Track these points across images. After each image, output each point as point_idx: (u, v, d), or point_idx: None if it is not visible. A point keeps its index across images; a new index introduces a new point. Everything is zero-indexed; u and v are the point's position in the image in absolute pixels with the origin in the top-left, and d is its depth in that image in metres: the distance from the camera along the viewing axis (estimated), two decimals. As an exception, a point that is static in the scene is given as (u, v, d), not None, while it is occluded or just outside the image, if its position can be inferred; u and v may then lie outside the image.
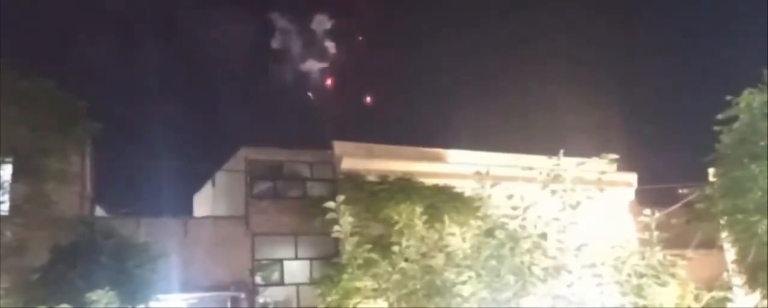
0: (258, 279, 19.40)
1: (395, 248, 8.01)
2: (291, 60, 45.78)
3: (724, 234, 10.49)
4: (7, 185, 14.23)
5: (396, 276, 7.81)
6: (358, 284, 8.12)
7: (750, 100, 9.34)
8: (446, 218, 8.34)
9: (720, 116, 9.65)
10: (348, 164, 20.16)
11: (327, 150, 21.07)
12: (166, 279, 15.65)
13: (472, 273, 7.12)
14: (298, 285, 19.56)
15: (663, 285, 7.24)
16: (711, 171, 10.68)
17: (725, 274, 11.64)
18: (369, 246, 7.98)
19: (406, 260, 7.86)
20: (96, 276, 13.45)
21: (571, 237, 7.24)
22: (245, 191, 20.02)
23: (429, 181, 19.92)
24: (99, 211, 19.89)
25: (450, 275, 7.40)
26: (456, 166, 20.20)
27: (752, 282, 9.79)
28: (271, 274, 19.95)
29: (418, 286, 7.66)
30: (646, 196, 23.01)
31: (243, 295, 18.50)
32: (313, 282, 18.89)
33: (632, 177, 23.78)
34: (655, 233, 7.58)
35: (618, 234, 8.21)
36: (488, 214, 7.51)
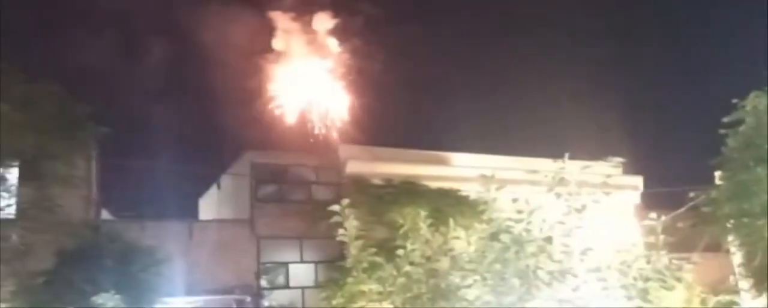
0: (263, 283, 19.38)
1: (400, 251, 8.00)
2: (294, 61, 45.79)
3: (730, 238, 10.45)
4: (13, 189, 14.28)
5: (401, 280, 7.80)
6: (363, 287, 8.09)
7: (756, 102, 9.32)
8: (451, 221, 8.33)
9: (726, 119, 9.62)
10: (353, 168, 20.16)
11: (332, 153, 21.08)
12: (171, 282, 15.67)
13: (477, 277, 7.11)
14: (303, 288, 19.56)
15: (669, 289, 7.21)
16: (717, 174, 10.63)
17: (732, 278, 11.61)
18: (374, 249, 7.98)
19: (411, 263, 7.85)
20: (101, 280, 13.48)
21: (576, 240, 7.22)
22: (250, 194, 20.03)
23: (434, 185, 19.89)
24: (104, 215, 19.92)
25: (455, 278, 7.39)
26: (461, 170, 20.18)
27: (759, 286, 9.76)
28: (277, 277, 19.94)
29: (423, 290, 7.65)
30: (652, 200, 22.92)
31: (248, 298, 18.49)
32: (318, 286, 18.88)
33: (638, 181, 23.70)
34: (661, 237, 7.54)
35: (623, 237, 8.17)
36: (493, 218, 7.50)
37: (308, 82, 46.01)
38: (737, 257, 12.23)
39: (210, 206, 23.79)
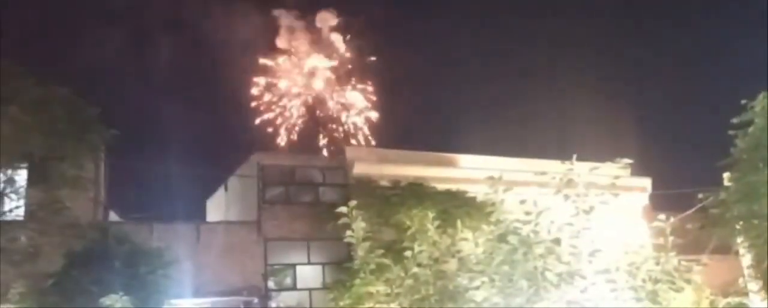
0: (271, 284, 19.40)
1: (408, 253, 8.00)
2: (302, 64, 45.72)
3: (739, 240, 10.39)
4: (22, 191, 14.35)
5: (409, 281, 7.79)
6: (370, 289, 8.10)
7: (765, 103, 9.25)
8: (459, 223, 8.32)
9: (735, 120, 9.57)
10: (360, 169, 20.17)
11: (339, 155, 21.09)
12: (179, 284, 15.71)
13: (485, 279, 7.10)
14: (310, 290, 19.56)
15: (678, 290, 7.17)
16: (726, 175, 10.57)
17: (741, 280, 11.55)
18: (381, 251, 7.97)
19: (418, 265, 7.84)
20: (109, 282, 13.52)
21: (584, 242, 7.19)
22: (258, 196, 20.06)
23: (441, 186, 19.86)
24: (112, 216, 20.00)
25: (463, 280, 7.38)
26: (468, 171, 20.15)
27: (768, 288, 9.69)
28: (284, 279, 19.95)
29: (431, 291, 7.64)
30: (660, 201, 22.84)
31: (256, 300, 18.51)
32: (325, 287, 18.89)
33: (646, 182, 23.60)
34: (670, 238, 7.50)
35: (632, 239, 8.13)
36: (501, 219, 7.48)
37: (314, 82, 46.02)
38: (746, 259, 12.16)
39: (217, 208, 23.84)
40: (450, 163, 21.86)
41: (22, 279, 13.59)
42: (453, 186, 19.82)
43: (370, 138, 42.59)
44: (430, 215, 8.78)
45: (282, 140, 43.28)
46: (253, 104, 43.65)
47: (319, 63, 45.25)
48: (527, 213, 7.27)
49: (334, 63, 45.74)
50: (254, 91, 44.10)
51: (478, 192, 14.99)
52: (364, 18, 43.95)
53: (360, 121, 43.99)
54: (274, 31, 45.45)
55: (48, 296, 13.65)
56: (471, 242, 7.70)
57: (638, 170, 21.19)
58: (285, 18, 45.44)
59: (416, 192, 19.32)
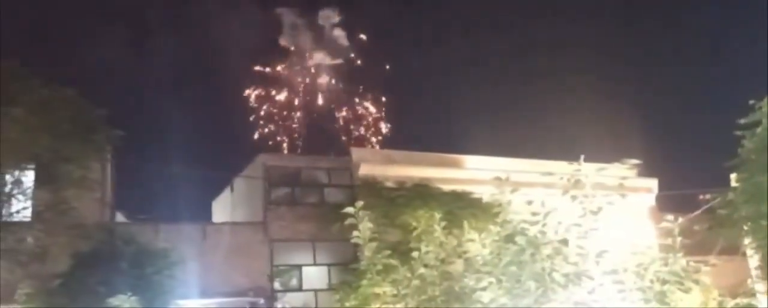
0: (276, 285, 19.42)
1: (414, 254, 7.99)
2: (308, 65, 45.68)
3: (747, 241, 10.32)
4: (29, 192, 14.40)
5: (415, 282, 7.78)
6: (377, 290, 8.08)
7: (773, 103, 9.19)
8: (465, 224, 8.30)
9: (742, 120, 9.51)
10: (365, 170, 20.17)
11: (345, 156, 21.09)
12: (186, 284, 15.75)
13: (492, 280, 7.08)
14: (316, 291, 19.57)
15: (686, 291, 7.14)
16: (733, 176, 10.52)
17: (749, 281, 11.48)
18: (388, 252, 7.96)
19: (425, 266, 7.83)
20: (116, 282, 13.57)
21: (592, 243, 7.17)
22: (263, 197, 20.09)
23: (447, 187, 19.85)
24: (119, 217, 20.05)
25: (469, 281, 7.36)
26: (474, 172, 20.12)
27: (777, 289, 9.63)
28: (290, 280, 19.97)
29: (438, 292, 7.63)
30: (667, 202, 22.78)
31: (261, 301, 18.54)
32: (331, 288, 18.89)
33: (653, 183, 23.53)
34: (678, 239, 7.47)
35: (639, 240, 8.11)
36: (508, 220, 7.46)
37: (320, 83, 45.93)
38: (754, 260, 12.10)
39: (223, 209, 23.87)
40: (456, 164, 21.84)
41: (29, 280, 13.64)
42: (459, 187, 19.81)
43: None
44: (437, 216, 8.78)
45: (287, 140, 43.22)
46: (251, 118, 43.37)
47: (323, 61, 45.13)
48: (534, 214, 7.25)
49: (339, 61, 45.63)
50: (252, 101, 43.85)
51: (484, 193, 14.97)
52: (368, 18, 43.98)
53: (368, 133, 43.87)
54: (278, 29, 45.38)
55: (55, 296, 13.70)
56: (478, 243, 7.68)
57: (645, 171, 21.15)
58: (287, 16, 45.33)
59: (422, 193, 19.32)
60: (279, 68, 45.34)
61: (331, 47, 45.60)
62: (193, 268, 16.34)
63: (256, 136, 42.31)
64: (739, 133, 9.62)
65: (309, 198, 21.08)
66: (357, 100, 45.67)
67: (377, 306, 8.14)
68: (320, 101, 45.57)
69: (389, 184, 19.75)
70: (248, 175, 21.47)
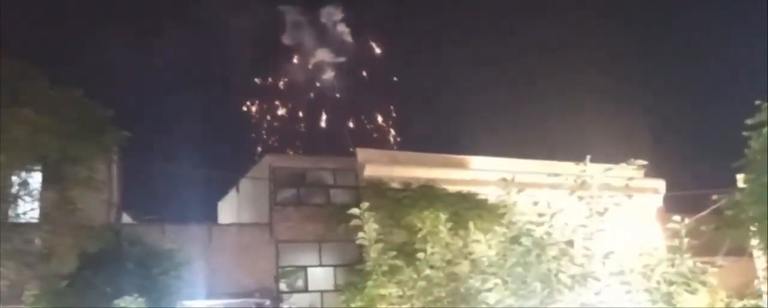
0: (282, 286, 19.44)
1: (420, 255, 7.98)
2: (313, 65, 45.60)
3: (754, 241, 10.28)
4: (36, 193, 14.45)
5: (421, 283, 7.77)
6: (382, 291, 8.08)
7: (779, 104, 9.15)
8: (471, 225, 8.28)
9: (749, 121, 9.47)
10: (371, 171, 20.16)
11: (350, 156, 21.10)
12: (192, 285, 15.79)
13: (498, 281, 7.06)
14: (322, 292, 19.57)
15: (693, 292, 7.11)
16: (740, 177, 10.48)
17: (756, 282, 11.40)
18: (393, 253, 7.95)
19: (431, 267, 7.82)
20: (123, 283, 13.62)
21: (598, 244, 7.15)
22: (269, 198, 20.11)
23: (453, 188, 19.82)
24: (125, 218, 20.11)
25: (475, 282, 7.35)
26: (480, 173, 20.10)
27: (784, 290, 9.58)
28: (296, 281, 19.99)
29: (443, 293, 7.61)
30: (674, 203, 22.68)
31: (267, 302, 18.55)
32: (337, 289, 18.89)
33: (660, 184, 23.45)
34: (685, 240, 7.43)
35: (646, 241, 8.08)
36: (514, 221, 7.45)
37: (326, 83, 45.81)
38: (761, 261, 12.02)
39: (229, 210, 23.90)
40: (461, 165, 21.81)
41: (36, 281, 13.69)
42: (465, 188, 19.78)
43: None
44: (442, 217, 8.76)
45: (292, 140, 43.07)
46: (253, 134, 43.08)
47: (327, 58, 44.88)
48: (540, 215, 7.23)
49: (342, 59, 45.46)
50: (254, 112, 43.53)
51: (490, 194, 14.95)
52: (370, 19, 43.90)
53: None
54: (282, 28, 45.22)
55: (62, 297, 13.75)
56: (483, 244, 7.67)
57: (652, 171, 21.05)
58: (290, 14, 45.11)
59: (428, 194, 19.30)
60: (282, 81, 45.20)
61: (335, 44, 45.41)
62: (199, 269, 16.39)
63: (259, 150, 42.19)
64: (745, 133, 9.58)
65: (315, 199, 21.08)
66: (363, 117, 45.54)
67: (383, 307, 8.13)
68: (324, 119, 45.35)
69: (395, 185, 19.74)
70: (254, 176, 21.50)
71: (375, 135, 43.71)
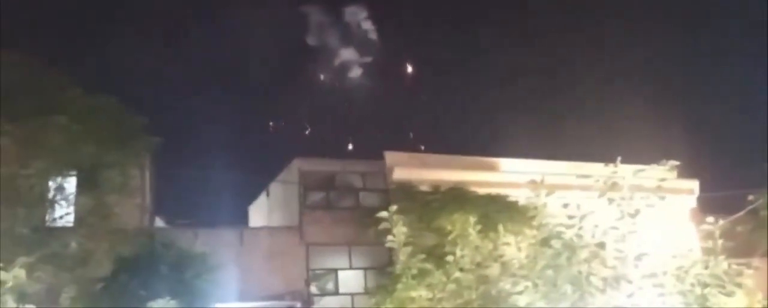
0: (313, 289, 19.55)
1: (449, 258, 7.95)
2: (341, 68, 45.71)
3: (792, 243, 10.06)
4: (71, 198, 14.75)
5: (451, 286, 7.74)
6: (412, 294, 8.06)
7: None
8: (501, 227, 8.24)
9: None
10: (400, 174, 20.18)
11: (379, 160, 21.15)
12: (224, 288, 15.93)
13: (529, 283, 7.01)
14: (352, 295, 19.64)
15: (729, 294, 6.97)
16: (777, 176, 10.26)
17: (795, 284, 11.15)
18: (423, 255, 7.94)
19: (460, 270, 7.78)
20: (157, 286, 13.80)
21: (630, 246, 7.05)
22: (299, 201, 20.25)
23: (482, 191, 19.74)
24: (158, 222, 20.41)
25: (506, 285, 7.30)
26: (509, 175, 20.00)
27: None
28: (326, 284, 20.08)
29: (474, 296, 7.57)
30: (709, 203, 22.28)
31: (299, 304, 18.68)
32: (367, 292, 18.93)
33: (694, 185, 23.09)
34: (719, 241, 7.30)
35: (680, 242, 7.95)
36: (544, 223, 7.38)
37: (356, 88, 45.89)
38: (800, 262, 11.75)
39: (259, 213, 24.12)
40: (490, 167, 21.72)
41: (73, 284, 13.93)
42: (494, 191, 19.69)
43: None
44: (472, 219, 8.72)
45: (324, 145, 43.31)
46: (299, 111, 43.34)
47: (356, 58, 44.78)
48: (570, 217, 7.16)
49: (368, 59, 45.35)
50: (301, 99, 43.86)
51: (519, 196, 14.85)
52: (394, 17, 43.81)
53: None
54: (306, 29, 45.28)
55: (98, 300, 13.98)
56: (513, 246, 7.62)
57: (685, 172, 20.69)
58: (315, 15, 45.11)
59: (457, 197, 19.25)
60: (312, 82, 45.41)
61: (360, 42, 45.28)
62: (231, 272, 16.54)
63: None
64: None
65: (344, 203, 21.18)
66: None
67: (413, 309, 8.12)
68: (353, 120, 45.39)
69: (424, 188, 19.74)
70: (284, 180, 21.66)
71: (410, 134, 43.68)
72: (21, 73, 13.50)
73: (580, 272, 6.80)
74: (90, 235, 14.24)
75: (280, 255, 19.18)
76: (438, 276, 7.91)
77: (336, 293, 19.83)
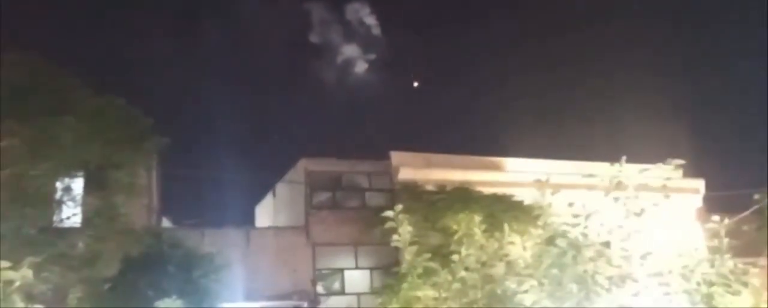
0: (319, 289, 19.61)
1: (455, 257, 7.96)
2: (348, 68, 45.72)
3: (798, 242, 10.04)
4: (78, 198, 14.81)
5: (456, 285, 7.75)
6: (418, 293, 8.07)
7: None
8: (506, 227, 8.25)
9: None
10: (405, 174, 20.21)
11: (385, 160, 21.18)
12: (231, 288, 16.00)
13: (534, 282, 7.02)
14: (359, 294, 19.69)
15: (735, 294, 6.97)
16: (783, 175, 10.25)
17: (802, 283, 11.13)
18: (428, 255, 7.96)
19: (466, 269, 7.79)
20: (164, 285, 13.88)
21: (636, 245, 7.06)
22: (305, 202, 20.31)
23: (487, 190, 19.76)
24: (165, 222, 20.48)
25: (511, 284, 7.31)
26: (515, 175, 20.00)
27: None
28: (332, 284, 20.14)
29: (479, 295, 7.58)
30: (715, 203, 22.25)
31: (305, 304, 18.73)
32: (373, 292, 18.98)
33: (699, 184, 23.03)
34: (725, 240, 7.30)
35: (686, 241, 7.94)
36: (549, 222, 7.39)
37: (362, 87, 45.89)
38: (807, 261, 11.73)
39: (266, 213, 24.19)
40: (496, 167, 21.73)
41: (80, 284, 14.01)
42: (499, 190, 19.70)
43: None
44: (477, 219, 8.74)
45: (329, 144, 43.40)
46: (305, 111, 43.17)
47: (363, 56, 44.77)
48: (576, 216, 7.17)
49: (372, 56, 45.32)
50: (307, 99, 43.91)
51: (525, 195, 14.88)
52: (414, 22, 43.81)
53: None
54: (316, 27, 45.30)
55: (106, 300, 14.06)
56: (519, 245, 7.63)
57: (691, 171, 20.65)
58: (317, 12, 45.06)
59: (462, 196, 19.28)
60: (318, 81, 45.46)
61: (366, 41, 45.26)
62: (237, 272, 16.62)
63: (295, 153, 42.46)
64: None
65: (350, 203, 21.23)
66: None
67: (419, 308, 8.13)
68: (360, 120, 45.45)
69: (429, 188, 19.77)
70: (290, 180, 21.72)
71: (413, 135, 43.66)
72: (29, 74, 13.57)
73: (585, 271, 6.81)
74: (97, 235, 14.29)
75: (286, 255, 19.24)
76: (443, 275, 7.92)
77: (342, 293, 19.88)
